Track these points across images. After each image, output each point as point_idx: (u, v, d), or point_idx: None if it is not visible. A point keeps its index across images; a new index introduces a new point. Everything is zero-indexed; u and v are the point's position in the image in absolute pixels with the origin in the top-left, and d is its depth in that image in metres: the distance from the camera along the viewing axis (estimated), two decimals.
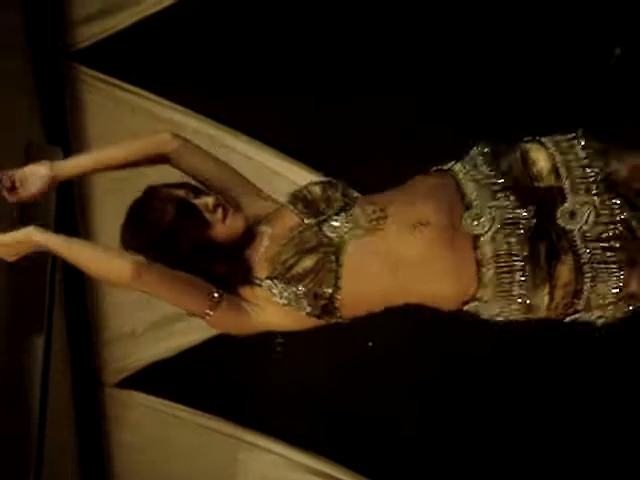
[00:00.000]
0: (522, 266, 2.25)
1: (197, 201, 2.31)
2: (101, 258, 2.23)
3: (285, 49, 3.86)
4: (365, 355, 3.84)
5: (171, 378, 4.09)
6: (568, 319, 2.34)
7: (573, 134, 2.35)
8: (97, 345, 4.10)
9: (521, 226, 2.26)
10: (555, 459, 3.82)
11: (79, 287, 4.04)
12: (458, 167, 2.36)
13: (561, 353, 3.72)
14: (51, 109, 3.90)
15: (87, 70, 3.93)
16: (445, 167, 2.38)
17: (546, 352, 3.74)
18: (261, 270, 2.33)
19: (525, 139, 2.38)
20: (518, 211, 2.26)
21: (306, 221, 2.33)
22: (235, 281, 2.35)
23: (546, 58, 3.66)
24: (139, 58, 3.92)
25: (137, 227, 2.31)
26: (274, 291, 2.30)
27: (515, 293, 2.27)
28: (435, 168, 2.40)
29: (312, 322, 2.35)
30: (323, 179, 2.44)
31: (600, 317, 2.33)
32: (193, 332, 3.92)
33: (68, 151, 3.79)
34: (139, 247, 2.29)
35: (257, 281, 2.33)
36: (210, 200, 2.32)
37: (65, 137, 3.92)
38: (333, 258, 2.29)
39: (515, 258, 2.25)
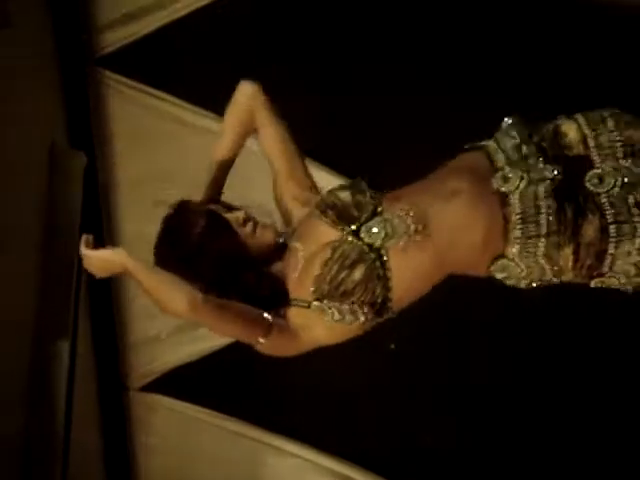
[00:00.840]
0: (548, 223, 2.29)
1: (228, 215, 2.35)
2: (165, 288, 2.24)
3: (309, 52, 3.86)
4: (388, 358, 3.83)
5: (196, 382, 4.09)
6: (594, 283, 2.34)
7: (604, 109, 2.39)
8: (122, 349, 4.10)
9: (548, 182, 2.30)
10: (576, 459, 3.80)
11: (104, 292, 4.05)
12: (490, 142, 2.40)
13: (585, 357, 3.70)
14: (76, 113, 3.91)
15: (112, 74, 3.94)
16: (478, 144, 2.42)
17: (573, 352, 3.72)
18: (303, 292, 2.33)
19: (558, 117, 2.41)
20: (546, 167, 2.30)
21: (341, 232, 2.33)
22: (264, 295, 2.35)
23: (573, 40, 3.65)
24: (163, 63, 3.93)
25: (170, 241, 2.33)
26: (326, 311, 2.31)
27: (540, 251, 2.30)
28: (468, 146, 2.43)
29: (360, 329, 2.36)
30: (345, 182, 2.44)
31: (626, 285, 2.34)
32: (217, 336, 3.91)
33: (92, 154, 3.82)
34: (173, 261, 2.31)
35: (302, 303, 2.33)
36: (240, 214, 2.35)
37: (89, 141, 3.93)
38: (378, 264, 2.30)
39: (541, 215, 2.29)
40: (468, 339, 3.74)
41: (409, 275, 2.32)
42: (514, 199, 2.31)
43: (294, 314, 2.34)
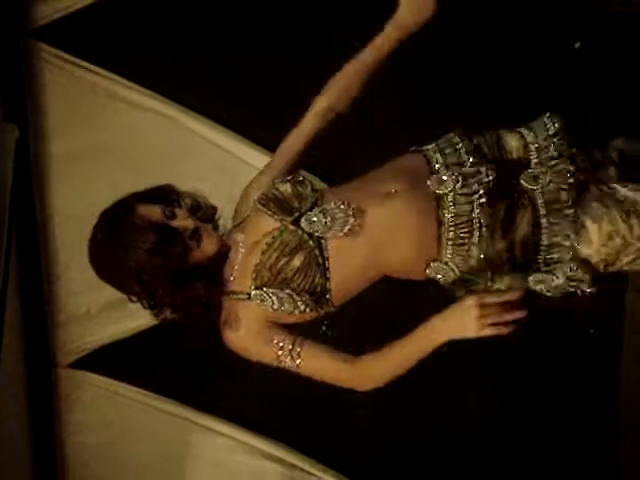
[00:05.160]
0: (480, 223, 2.34)
1: (176, 224, 2.31)
2: None
3: (250, 33, 3.85)
4: (321, 340, 3.84)
5: (125, 360, 4.07)
6: (532, 279, 2.37)
7: (547, 120, 2.46)
8: (51, 326, 4.06)
9: (482, 181, 2.34)
10: None
11: (34, 267, 4.00)
12: (431, 146, 2.45)
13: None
14: (9, 86, 3.85)
15: (47, 48, 3.88)
16: (420, 148, 2.46)
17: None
18: (244, 282, 2.35)
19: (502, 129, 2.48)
20: (481, 169, 2.35)
21: (281, 221, 2.35)
22: (214, 298, 2.37)
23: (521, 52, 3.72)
24: (101, 37, 3.88)
25: (113, 249, 2.30)
26: (266, 299, 2.32)
27: (473, 250, 2.35)
28: (412, 149, 2.47)
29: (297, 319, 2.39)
30: (288, 176, 2.45)
31: (559, 280, 2.37)
32: (148, 314, 3.89)
33: (24, 128, 3.77)
34: (116, 276, 2.33)
35: (242, 296, 2.36)
36: (189, 225, 2.32)
37: (23, 115, 3.88)
38: (317, 252, 2.33)
39: (474, 215, 2.34)
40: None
41: (346, 265, 2.35)
42: (448, 202, 2.34)
43: (233, 306, 2.36)
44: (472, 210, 2.33)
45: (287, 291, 2.31)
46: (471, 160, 2.37)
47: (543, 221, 2.36)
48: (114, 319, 3.97)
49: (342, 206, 2.33)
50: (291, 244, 2.32)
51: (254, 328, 2.35)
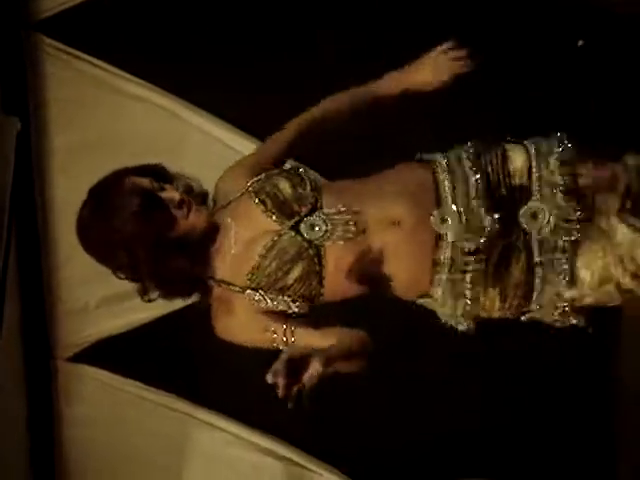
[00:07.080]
0: (474, 269, 2.31)
1: (163, 194, 2.30)
2: None
3: (251, 27, 3.85)
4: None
5: (124, 353, 4.07)
6: (523, 318, 2.40)
7: (555, 138, 2.40)
8: (50, 318, 4.06)
9: (484, 232, 2.31)
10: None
11: (34, 258, 4.00)
12: (441, 160, 2.39)
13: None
14: (10, 78, 3.86)
15: (49, 40, 3.89)
16: (427, 158, 2.42)
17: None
18: (237, 277, 2.34)
19: (508, 139, 2.43)
20: (486, 217, 2.31)
21: (280, 225, 2.32)
22: (196, 277, 2.36)
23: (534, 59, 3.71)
24: (103, 30, 3.88)
25: (98, 220, 2.29)
26: (261, 300, 2.32)
27: (465, 294, 2.34)
28: (418, 157, 2.44)
29: None
30: (287, 167, 2.42)
31: (555, 321, 2.39)
32: (147, 308, 3.85)
33: (26, 121, 3.78)
34: (99, 243, 2.30)
35: (235, 288, 2.34)
36: (176, 195, 2.31)
37: (25, 107, 3.88)
38: (316, 260, 2.31)
39: (468, 262, 2.31)
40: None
41: (340, 275, 2.33)
42: (446, 243, 2.31)
43: (225, 295, 2.36)
44: (468, 253, 2.31)
45: (281, 297, 2.31)
46: (477, 194, 2.33)
47: (537, 268, 2.33)
48: (113, 313, 3.97)
49: (342, 209, 2.32)
50: (290, 252, 2.30)
51: (249, 317, 2.34)
